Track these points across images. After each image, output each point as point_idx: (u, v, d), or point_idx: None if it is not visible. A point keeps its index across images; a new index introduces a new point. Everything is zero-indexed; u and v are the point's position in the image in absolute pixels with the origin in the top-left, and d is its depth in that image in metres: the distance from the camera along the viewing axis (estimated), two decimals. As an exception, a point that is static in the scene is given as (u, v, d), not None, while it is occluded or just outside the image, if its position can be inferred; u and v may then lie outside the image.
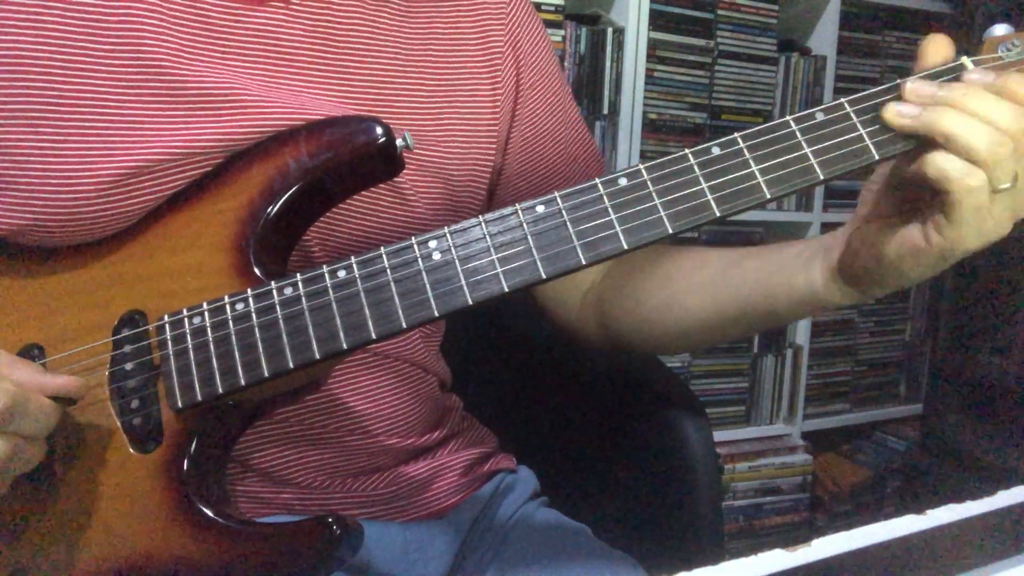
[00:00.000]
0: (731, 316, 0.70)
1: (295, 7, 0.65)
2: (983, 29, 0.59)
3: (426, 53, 0.72)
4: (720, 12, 1.87)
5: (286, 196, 0.58)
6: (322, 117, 0.61)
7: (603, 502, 0.91)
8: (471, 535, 0.79)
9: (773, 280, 0.66)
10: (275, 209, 0.58)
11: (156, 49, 0.60)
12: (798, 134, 0.55)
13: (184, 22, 0.61)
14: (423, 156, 0.70)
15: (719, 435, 1.97)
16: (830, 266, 0.62)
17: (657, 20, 1.79)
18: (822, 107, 0.56)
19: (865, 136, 0.55)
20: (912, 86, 0.54)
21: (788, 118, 0.56)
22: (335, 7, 0.67)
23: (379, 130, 0.58)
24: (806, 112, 0.56)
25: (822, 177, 0.54)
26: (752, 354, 2.05)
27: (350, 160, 0.58)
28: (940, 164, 0.52)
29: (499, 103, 0.75)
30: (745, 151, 0.55)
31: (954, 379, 2.16)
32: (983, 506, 0.43)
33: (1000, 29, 0.59)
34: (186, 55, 0.61)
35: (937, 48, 0.57)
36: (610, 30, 1.73)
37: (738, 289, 0.69)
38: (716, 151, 0.55)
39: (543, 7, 1.67)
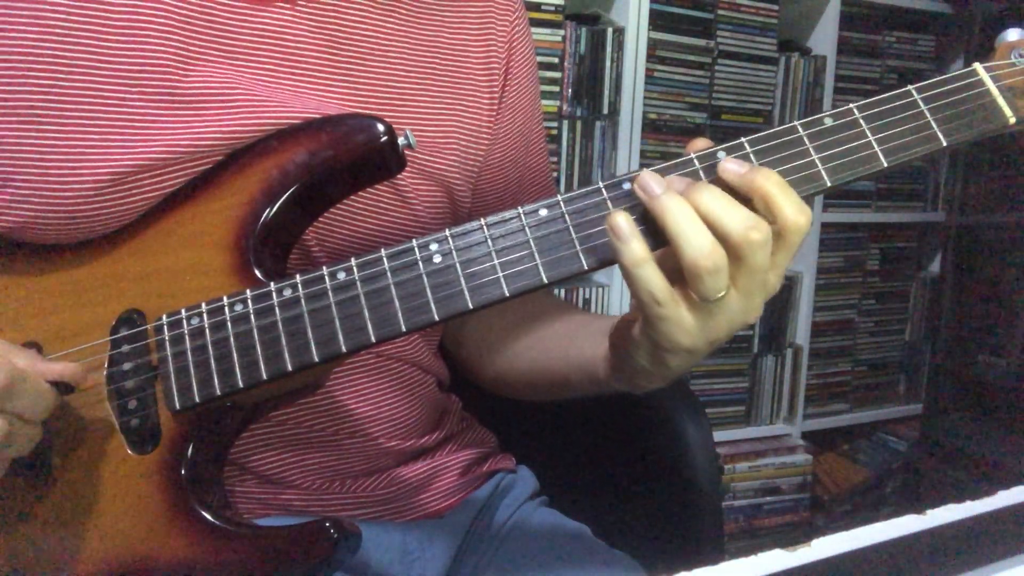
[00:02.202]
0: (544, 379, 0.74)
1: (301, 8, 0.65)
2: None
3: (432, 59, 0.71)
4: (720, 12, 1.87)
5: (286, 195, 0.58)
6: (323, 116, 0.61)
7: (603, 502, 0.91)
8: (470, 535, 0.79)
9: (578, 355, 0.69)
10: (275, 208, 0.58)
11: (160, 48, 0.60)
12: (806, 140, 0.55)
13: (189, 21, 0.61)
14: (424, 160, 0.70)
15: (719, 435, 1.97)
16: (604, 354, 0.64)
17: (657, 20, 1.79)
18: (830, 112, 0.55)
19: (874, 143, 0.54)
20: (666, 179, 0.53)
21: (796, 123, 0.55)
22: (342, 10, 0.67)
23: (380, 128, 0.57)
24: (814, 117, 0.55)
25: (829, 184, 0.54)
26: (752, 354, 2.05)
27: (351, 158, 0.58)
28: (635, 285, 0.51)
29: (493, 115, 0.75)
30: (752, 157, 0.54)
31: (954, 379, 2.16)
32: (983, 506, 0.43)
33: (1014, 34, 0.58)
34: (190, 54, 0.61)
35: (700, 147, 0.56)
36: (610, 30, 1.73)
37: (551, 355, 0.73)
38: (722, 156, 0.54)
39: (543, 7, 1.67)
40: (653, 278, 0.51)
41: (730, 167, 0.52)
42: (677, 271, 0.51)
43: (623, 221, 0.51)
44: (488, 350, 0.81)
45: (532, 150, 0.82)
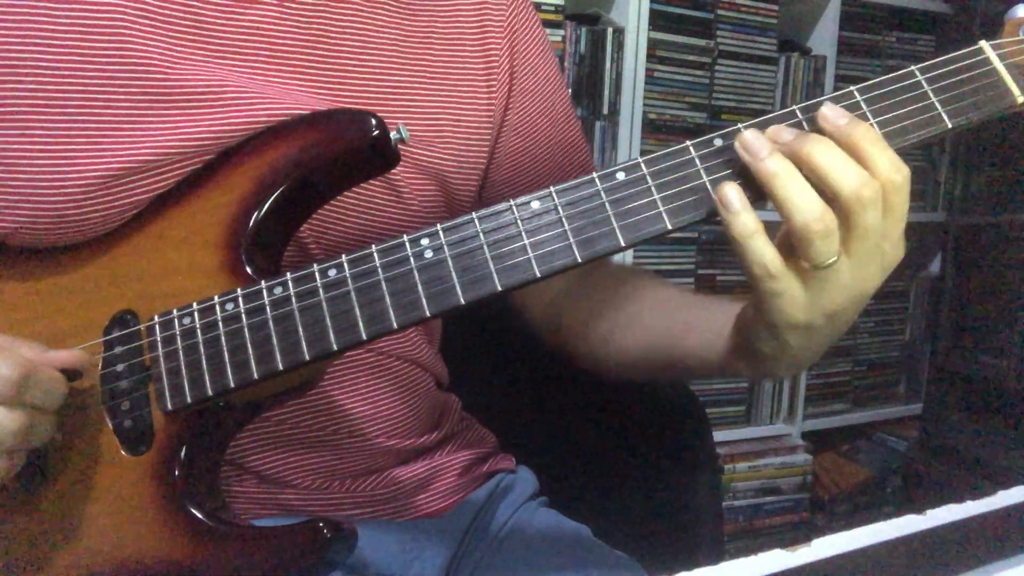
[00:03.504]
0: (655, 362, 0.70)
1: (288, 4, 0.64)
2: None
3: (425, 52, 0.71)
4: (720, 12, 1.87)
5: (278, 192, 0.57)
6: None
7: (603, 502, 0.91)
8: (469, 536, 0.78)
9: (695, 338, 0.65)
10: (267, 206, 0.57)
11: (144, 48, 0.59)
12: (805, 125, 0.53)
13: (173, 21, 0.61)
14: (418, 155, 0.69)
15: (719, 435, 1.97)
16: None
17: (657, 20, 1.79)
18: (831, 96, 0.53)
19: (876, 127, 0.53)
20: (772, 129, 0.51)
21: (795, 107, 0.54)
22: (330, 4, 0.66)
23: (372, 123, 0.57)
24: (812, 102, 0.53)
25: None
26: (752, 354, 2.05)
27: (343, 154, 0.57)
28: (746, 258, 0.50)
29: (494, 106, 0.74)
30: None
31: (954, 379, 2.16)
32: (983, 506, 0.43)
33: (1023, 10, 0.57)
34: (175, 54, 0.60)
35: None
36: (610, 30, 1.73)
37: (666, 337, 0.69)
38: (719, 143, 0.53)
39: (543, 7, 1.67)
40: (765, 250, 0.50)
41: (830, 115, 0.50)
42: (783, 244, 0.50)
43: (733, 193, 0.50)
44: (584, 327, 0.78)
45: (561, 127, 0.80)
